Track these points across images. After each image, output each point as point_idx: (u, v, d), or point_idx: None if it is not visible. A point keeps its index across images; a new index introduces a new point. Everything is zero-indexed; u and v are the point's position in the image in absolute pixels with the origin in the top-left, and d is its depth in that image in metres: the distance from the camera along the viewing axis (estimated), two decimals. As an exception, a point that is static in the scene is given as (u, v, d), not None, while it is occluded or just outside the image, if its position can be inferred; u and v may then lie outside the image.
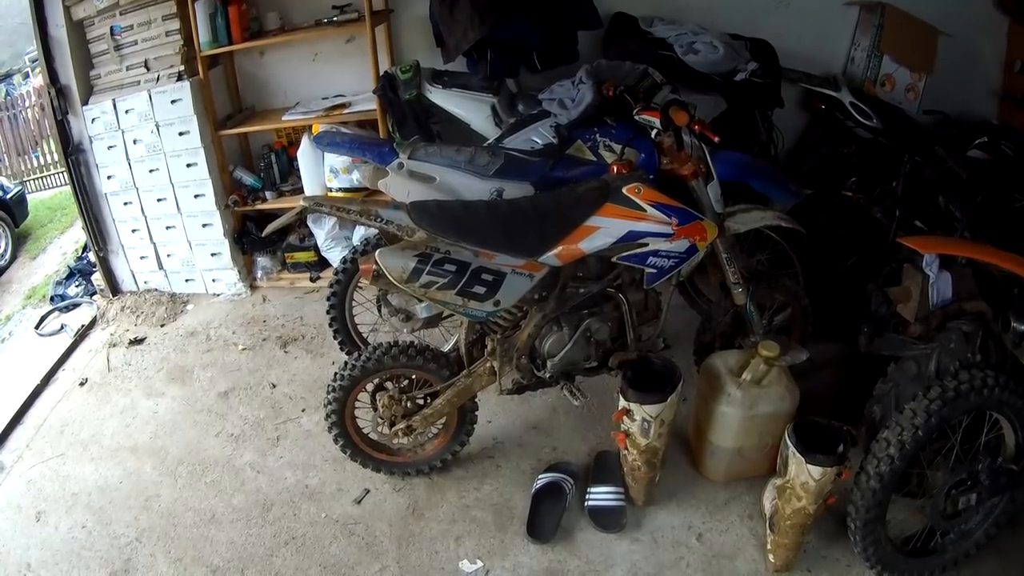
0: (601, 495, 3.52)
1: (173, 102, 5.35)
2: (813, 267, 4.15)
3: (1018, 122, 4.98)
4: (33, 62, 13.53)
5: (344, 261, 4.21)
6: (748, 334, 3.72)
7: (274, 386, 4.73)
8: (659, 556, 3.30)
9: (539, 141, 4.07)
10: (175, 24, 5.30)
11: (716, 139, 3.34)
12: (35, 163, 12.71)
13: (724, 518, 3.44)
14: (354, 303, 4.32)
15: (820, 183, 4.50)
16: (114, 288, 6.20)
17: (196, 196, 5.62)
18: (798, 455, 2.84)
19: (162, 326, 5.69)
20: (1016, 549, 3.15)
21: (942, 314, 3.22)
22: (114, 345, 5.52)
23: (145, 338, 5.55)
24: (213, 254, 5.84)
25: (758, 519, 3.35)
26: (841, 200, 4.35)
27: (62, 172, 9.15)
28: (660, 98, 3.59)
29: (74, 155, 5.70)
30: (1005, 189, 3.90)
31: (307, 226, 5.74)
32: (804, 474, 2.83)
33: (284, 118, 5.51)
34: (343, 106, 5.40)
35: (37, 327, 6.13)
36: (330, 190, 5.32)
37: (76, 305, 6.33)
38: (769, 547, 3.14)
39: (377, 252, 2.96)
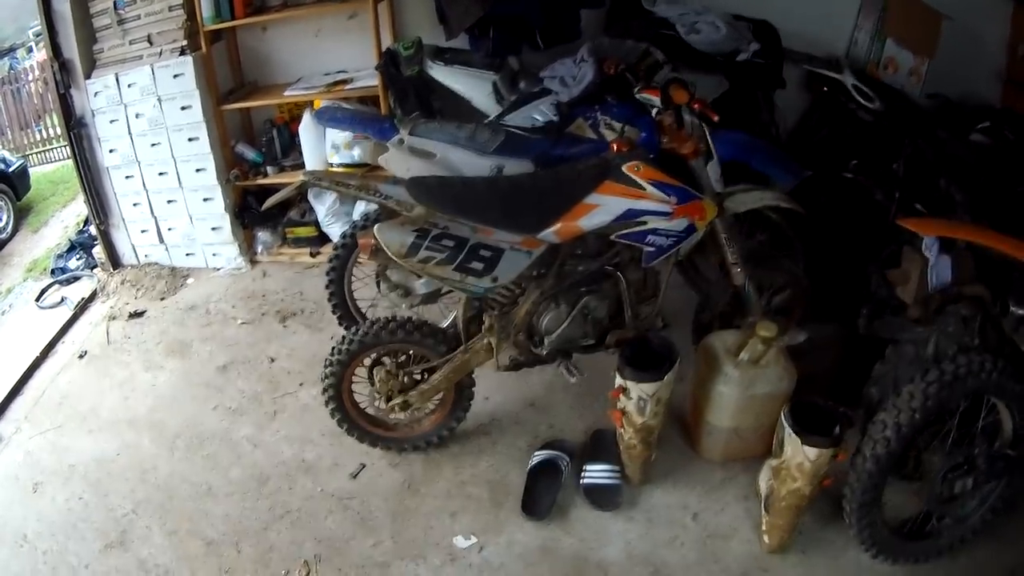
0: (597, 473, 3.51)
1: (175, 76, 5.35)
2: (813, 248, 4.13)
3: (1021, 106, 4.95)
4: (37, 36, 13.51)
5: (344, 236, 4.20)
6: (747, 315, 3.71)
7: (272, 360, 4.74)
8: (654, 535, 3.30)
9: (540, 119, 4.05)
10: (179, -2, 5.29)
11: (716, 118, 3.35)
12: (38, 137, 12.72)
13: (720, 498, 3.44)
14: (353, 278, 4.31)
15: (821, 165, 4.47)
16: (115, 261, 6.22)
17: (197, 170, 5.63)
18: (794, 436, 2.83)
19: (162, 300, 5.71)
20: (1012, 535, 3.14)
21: (941, 297, 3.20)
22: (114, 318, 5.54)
23: (145, 311, 5.57)
24: (214, 228, 5.85)
25: (754, 500, 3.34)
26: (842, 182, 4.34)
27: (64, 146, 9.15)
28: (661, 77, 3.58)
29: (76, 129, 5.72)
30: (1007, 173, 3.89)
31: (308, 201, 5.75)
32: (800, 455, 2.82)
33: (286, 93, 5.52)
34: (345, 82, 5.39)
35: (37, 300, 6.16)
36: (331, 165, 5.32)
37: (77, 278, 6.36)
38: (764, 528, 3.14)
39: (376, 226, 2.97)
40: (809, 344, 3.58)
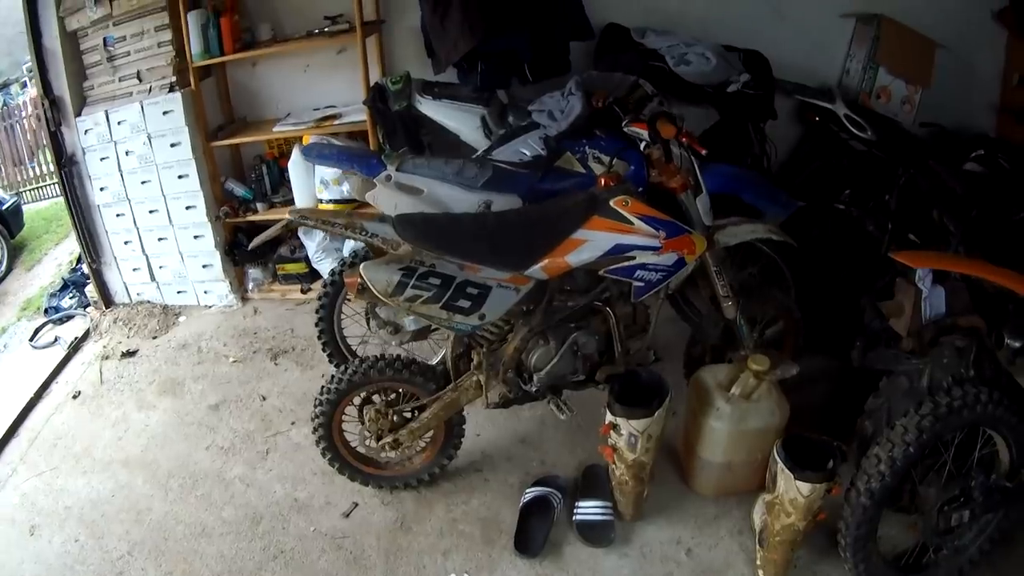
0: (589, 509, 3.49)
1: (165, 113, 5.35)
2: (805, 281, 4.12)
3: (1016, 136, 4.97)
4: (31, 72, 13.52)
5: (332, 273, 4.21)
6: (738, 348, 3.69)
7: (264, 398, 4.72)
8: (647, 571, 3.27)
9: (528, 153, 4.05)
10: (167, 35, 5.30)
11: (703, 152, 3.33)
12: (32, 173, 12.67)
13: (713, 533, 3.41)
14: (343, 316, 4.31)
15: (813, 196, 4.47)
16: (107, 300, 6.21)
17: (187, 208, 5.63)
18: (787, 471, 2.81)
19: (154, 338, 5.70)
20: (1011, 566, 3.11)
21: (935, 329, 3.18)
22: (107, 357, 5.52)
23: (137, 350, 5.55)
24: (204, 266, 5.84)
25: (748, 534, 3.33)
26: (834, 213, 4.33)
27: (57, 183, 9.15)
28: (650, 110, 3.57)
29: (67, 166, 5.72)
30: (1001, 203, 3.88)
31: (298, 238, 5.76)
32: (793, 490, 2.80)
33: (275, 129, 5.52)
34: (334, 117, 5.40)
35: (31, 339, 6.13)
36: (321, 202, 5.33)
37: (70, 317, 6.33)
38: (759, 563, 3.12)
39: (362, 265, 2.96)
40: (801, 377, 3.54)
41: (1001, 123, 5.30)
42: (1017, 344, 2.88)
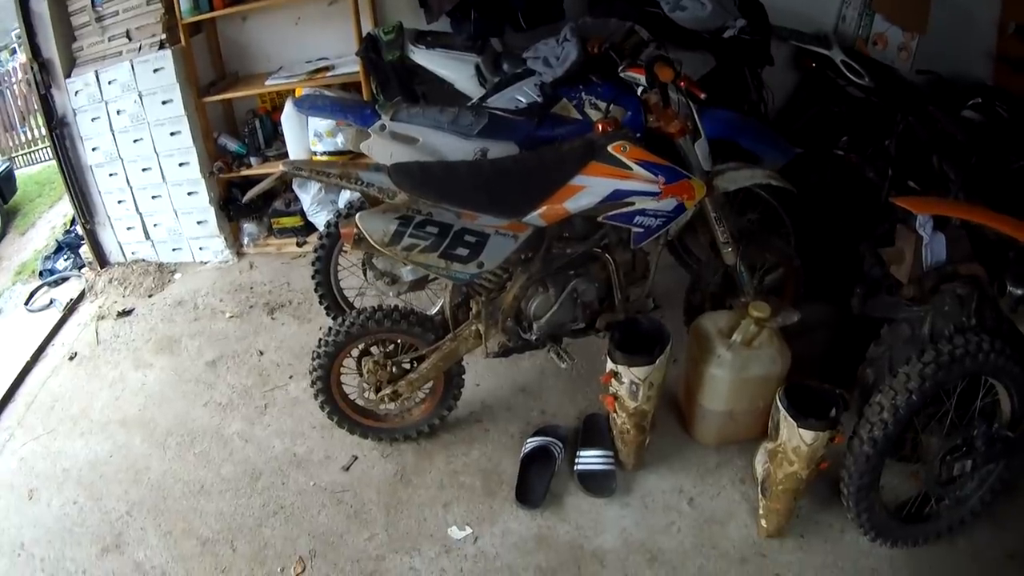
0: (590, 459, 3.49)
1: (155, 71, 5.31)
2: (805, 227, 4.10)
3: (1013, 84, 4.91)
4: (20, 38, 13.37)
5: (328, 225, 4.17)
6: (738, 294, 3.66)
7: (261, 353, 4.71)
8: (650, 521, 3.27)
9: (523, 100, 4.00)
10: (156, -8, 5.24)
11: (702, 96, 3.29)
12: (23, 138, 12.55)
13: (716, 482, 3.41)
14: (339, 267, 4.28)
15: (811, 142, 4.44)
16: (102, 260, 6.18)
17: (181, 164, 5.60)
18: (790, 419, 2.79)
19: (150, 296, 5.68)
20: (1012, 516, 3.12)
21: (936, 276, 3.15)
22: (102, 318, 5.50)
23: (133, 309, 5.53)
24: (199, 222, 5.82)
25: (750, 483, 3.33)
26: (833, 159, 4.29)
27: (49, 146, 9.08)
28: (647, 55, 3.51)
29: (58, 129, 5.68)
30: (1000, 150, 3.84)
31: (293, 191, 5.75)
32: (796, 438, 2.79)
33: (267, 83, 5.47)
34: (326, 69, 5.35)
35: (27, 303, 6.10)
36: (315, 154, 5.29)
37: (65, 279, 6.31)
38: (761, 512, 3.11)
39: (357, 215, 2.92)
40: (802, 324, 3.52)
41: (998, 72, 5.25)
42: (1019, 292, 2.85)
